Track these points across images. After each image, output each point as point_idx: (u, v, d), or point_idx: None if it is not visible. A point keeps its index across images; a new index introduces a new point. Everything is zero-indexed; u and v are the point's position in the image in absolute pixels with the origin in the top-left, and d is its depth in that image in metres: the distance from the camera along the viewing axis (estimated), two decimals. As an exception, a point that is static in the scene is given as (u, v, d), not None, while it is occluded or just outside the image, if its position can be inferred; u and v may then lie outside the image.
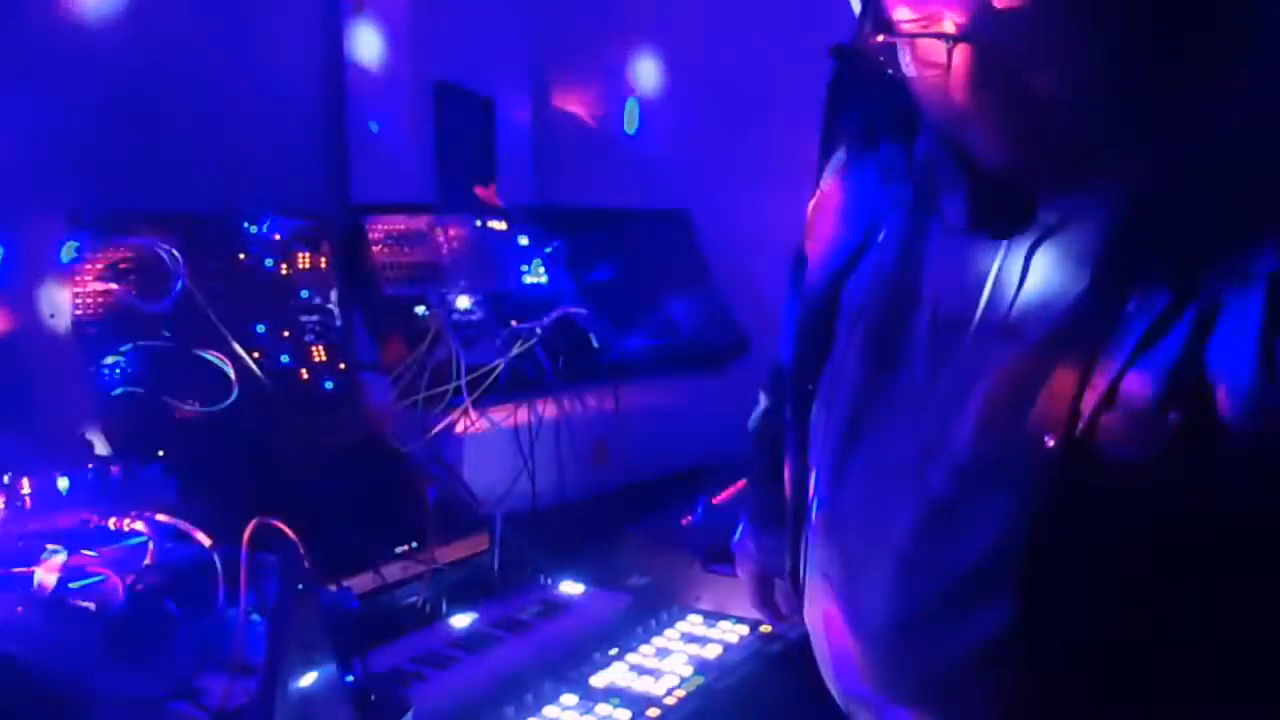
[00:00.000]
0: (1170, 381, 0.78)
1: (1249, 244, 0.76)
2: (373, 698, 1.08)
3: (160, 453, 1.43)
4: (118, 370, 1.45)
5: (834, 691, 1.05)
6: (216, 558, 1.12)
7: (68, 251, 1.45)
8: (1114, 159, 0.82)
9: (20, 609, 1.10)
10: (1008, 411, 0.86)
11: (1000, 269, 0.89)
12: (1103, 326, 0.81)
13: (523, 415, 1.79)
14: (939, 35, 0.80)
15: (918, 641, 0.94)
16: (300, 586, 0.92)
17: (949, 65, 0.80)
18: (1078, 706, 0.86)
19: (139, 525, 1.20)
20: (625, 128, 2.69)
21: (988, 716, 0.90)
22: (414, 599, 1.45)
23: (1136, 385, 0.79)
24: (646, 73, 2.67)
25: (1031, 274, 0.88)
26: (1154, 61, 0.78)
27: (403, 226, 1.86)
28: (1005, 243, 0.89)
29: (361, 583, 1.40)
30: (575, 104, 2.77)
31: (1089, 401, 0.81)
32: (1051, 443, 0.82)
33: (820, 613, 1.06)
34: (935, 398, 0.92)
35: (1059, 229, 0.86)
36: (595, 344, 1.98)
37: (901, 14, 0.82)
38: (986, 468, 0.86)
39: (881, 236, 1.01)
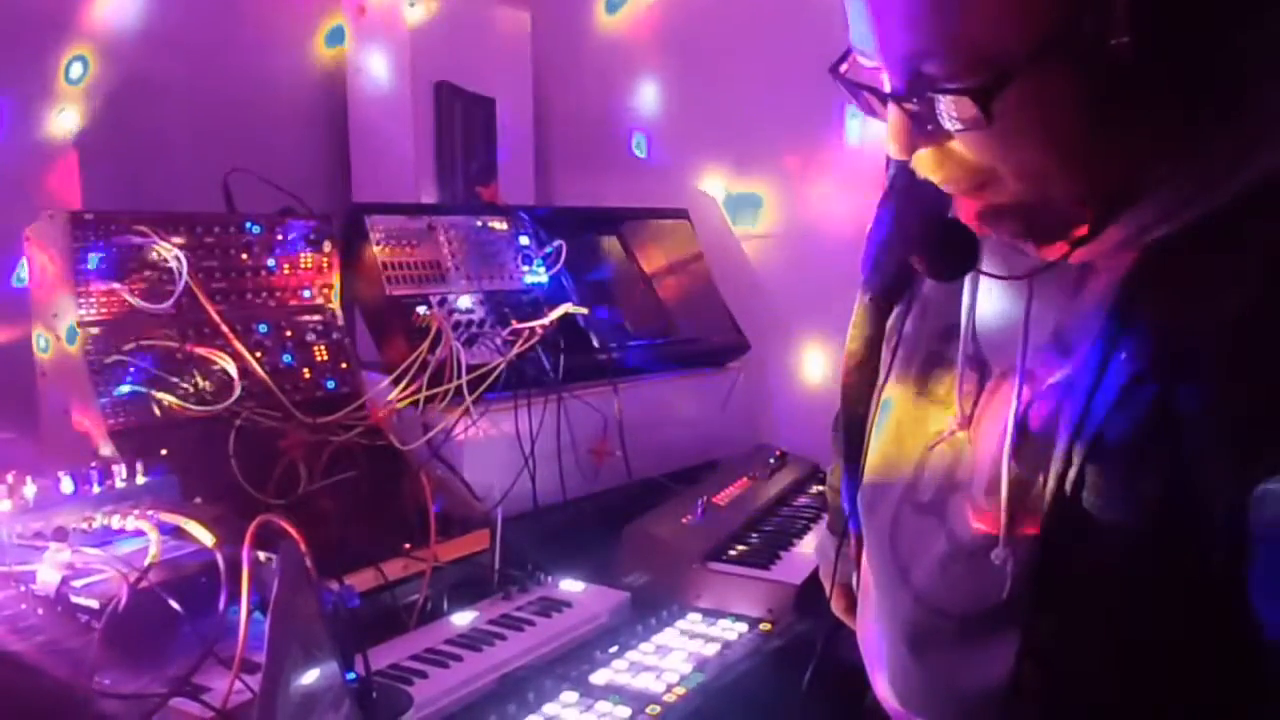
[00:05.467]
0: (1143, 432, 0.78)
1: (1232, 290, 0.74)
2: (374, 695, 1.09)
3: (163, 451, 1.44)
4: (120, 369, 1.46)
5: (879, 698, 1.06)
6: (219, 556, 1.12)
7: (71, 252, 1.45)
8: (1134, 206, 0.80)
9: (23, 607, 1.10)
10: (1026, 459, 0.85)
11: (1026, 313, 0.88)
12: (1103, 373, 0.80)
13: (523, 415, 1.79)
14: (972, 91, 0.74)
15: (932, 672, 0.95)
16: (302, 584, 0.92)
17: (989, 119, 0.75)
18: None
19: (142, 524, 1.21)
20: (626, 127, 2.70)
21: None
22: (415, 597, 1.46)
23: (1114, 435, 0.79)
24: (648, 72, 2.67)
25: (1050, 320, 0.87)
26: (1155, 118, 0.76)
27: (403, 226, 1.86)
28: (1032, 286, 0.88)
29: (362, 580, 1.40)
30: (575, 104, 2.78)
31: (1078, 449, 0.81)
32: (1050, 494, 0.82)
33: (861, 624, 1.07)
34: (965, 436, 0.92)
35: (1083, 277, 0.85)
36: (595, 344, 1.98)
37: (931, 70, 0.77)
38: (1010, 519, 0.86)
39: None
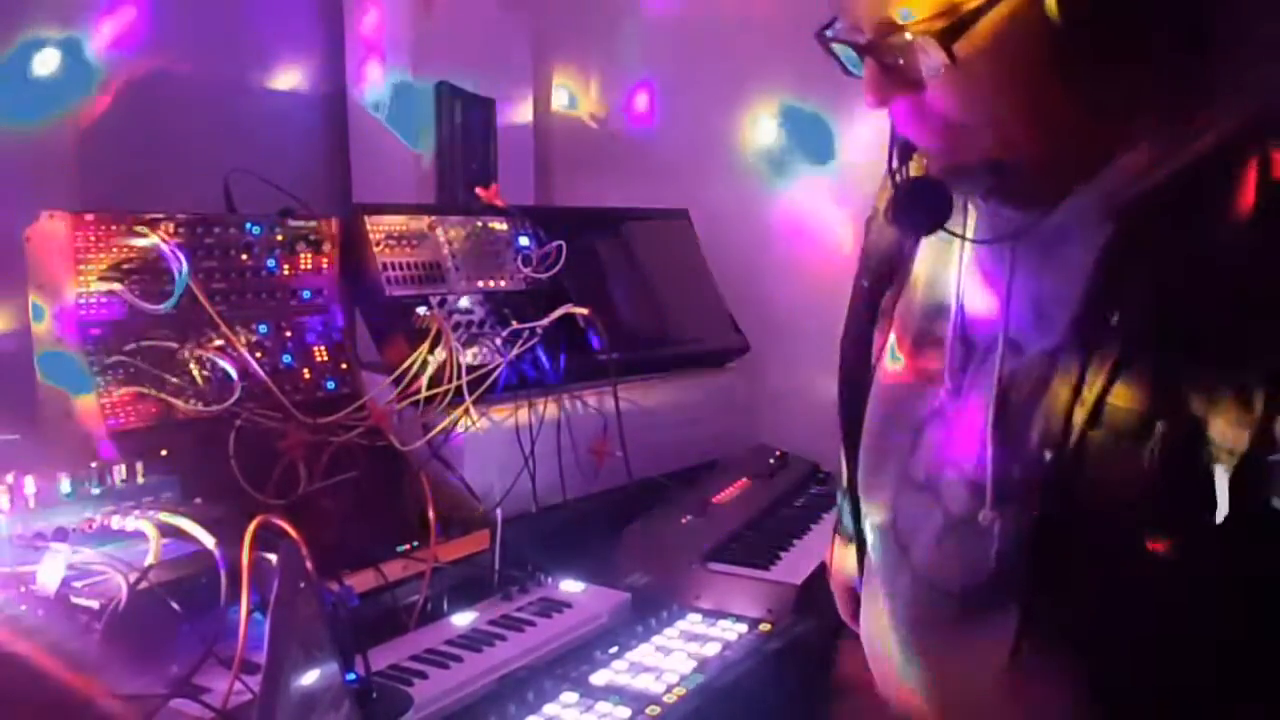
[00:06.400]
0: (1151, 400, 0.78)
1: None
2: (374, 695, 1.09)
3: (163, 451, 1.44)
4: (120, 370, 1.46)
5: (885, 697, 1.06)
6: (219, 556, 1.12)
7: (71, 251, 1.45)
8: (1108, 163, 0.81)
9: (23, 607, 1.10)
10: (1011, 427, 0.86)
11: (1008, 285, 0.89)
12: (1095, 340, 0.81)
13: (523, 415, 1.79)
14: (934, 35, 0.78)
15: (934, 654, 0.95)
16: (301, 585, 0.92)
17: (954, 61, 0.78)
18: None
19: (142, 524, 1.21)
20: (625, 128, 2.70)
21: None
22: (415, 597, 1.46)
23: (1121, 401, 0.79)
24: (647, 72, 2.67)
25: (1033, 292, 0.88)
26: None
27: (403, 226, 1.86)
28: (1013, 256, 0.89)
29: (362, 581, 1.41)
30: (575, 104, 2.78)
31: (1079, 417, 0.81)
32: (1048, 459, 0.82)
33: (864, 623, 1.07)
34: (955, 411, 0.93)
35: (1063, 239, 0.86)
36: (595, 344, 1.98)
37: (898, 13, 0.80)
38: (995, 484, 0.87)
39: (910, 247, 1.02)
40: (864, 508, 1.05)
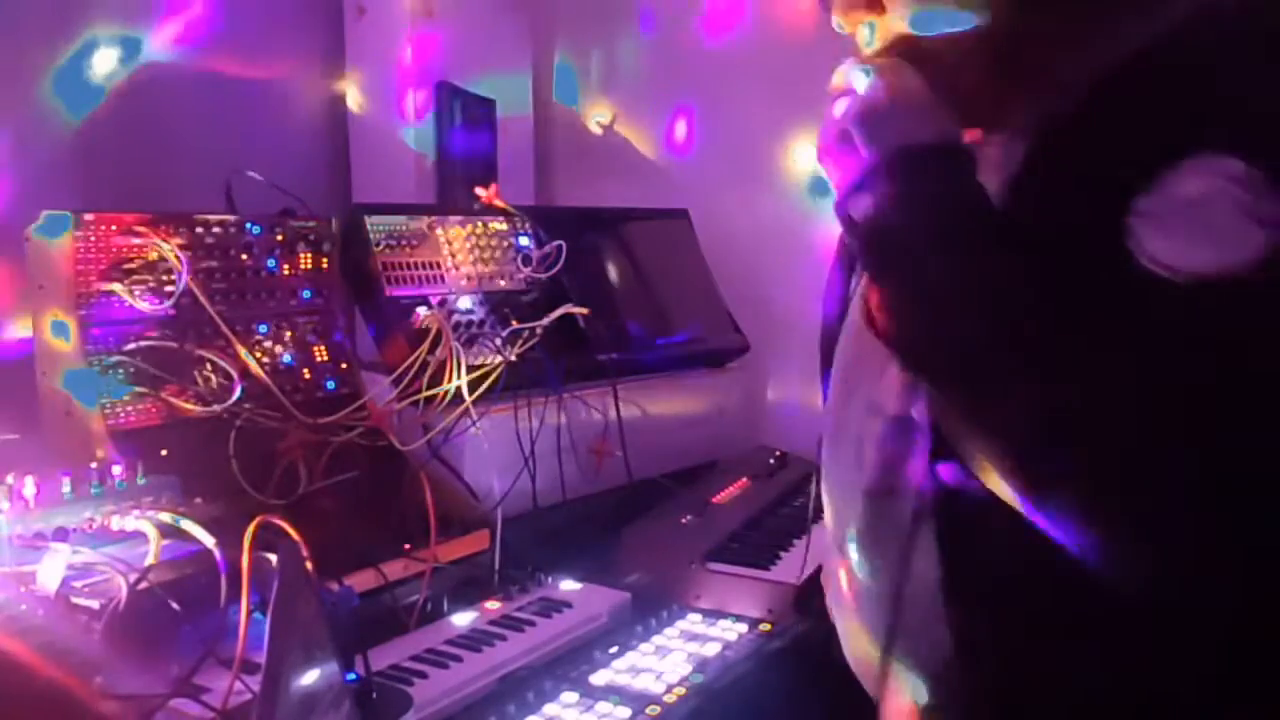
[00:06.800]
0: None
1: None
2: (374, 695, 1.09)
3: (163, 452, 1.44)
4: (120, 370, 1.46)
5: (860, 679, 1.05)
6: (219, 556, 1.12)
7: (71, 251, 1.45)
8: (1036, 72, 0.85)
9: (23, 607, 1.10)
10: None
11: None
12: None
13: (523, 415, 1.79)
14: None
15: (886, 583, 0.94)
16: (302, 585, 0.92)
17: None
18: (1048, 666, 0.84)
19: (142, 524, 1.21)
20: (627, 128, 2.70)
21: (955, 664, 0.89)
22: (415, 597, 1.46)
23: None
24: (649, 72, 2.67)
25: None
26: None
27: (403, 226, 1.86)
28: None
29: (362, 581, 1.41)
30: (576, 104, 2.78)
31: None
32: None
33: (838, 617, 1.07)
34: None
35: (1006, 158, 0.86)
36: (595, 344, 1.98)
37: None
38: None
39: None
40: (831, 452, 1.04)
